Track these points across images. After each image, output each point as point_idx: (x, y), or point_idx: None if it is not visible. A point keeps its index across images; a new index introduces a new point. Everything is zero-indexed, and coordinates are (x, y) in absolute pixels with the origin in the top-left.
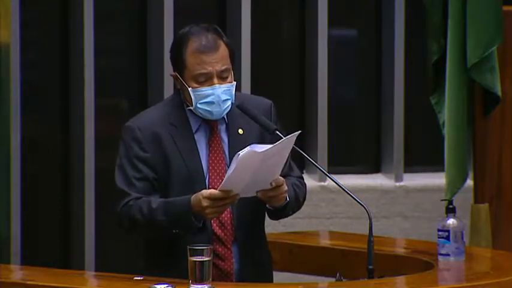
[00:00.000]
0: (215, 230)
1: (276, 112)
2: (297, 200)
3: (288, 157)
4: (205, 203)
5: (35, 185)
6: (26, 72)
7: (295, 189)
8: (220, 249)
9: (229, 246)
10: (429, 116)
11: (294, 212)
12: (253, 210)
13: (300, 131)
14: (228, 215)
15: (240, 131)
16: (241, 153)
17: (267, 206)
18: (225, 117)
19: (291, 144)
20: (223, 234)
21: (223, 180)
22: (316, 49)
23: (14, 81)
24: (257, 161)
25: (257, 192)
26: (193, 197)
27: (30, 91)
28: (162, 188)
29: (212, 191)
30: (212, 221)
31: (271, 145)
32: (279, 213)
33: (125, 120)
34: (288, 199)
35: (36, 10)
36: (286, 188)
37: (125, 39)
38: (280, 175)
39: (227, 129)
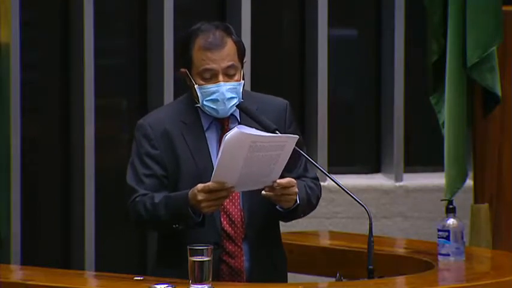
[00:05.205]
0: (225, 228)
1: (292, 112)
2: (309, 202)
3: (302, 159)
4: (200, 196)
5: (35, 185)
6: (26, 72)
7: (308, 191)
8: (230, 247)
9: (239, 244)
10: (429, 116)
11: (305, 215)
12: (266, 209)
13: (297, 136)
14: (238, 213)
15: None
16: (228, 134)
17: (277, 207)
18: (238, 116)
19: (291, 146)
20: (233, 232)
21: (214, 169)
22: (316, 49)
23: (14, 81)
24: (246, 146)
25: (265, 188)
26: (190, 191)
27: (30, 91)
28: (172, 185)
29: (206, 183)
30: (222, 219)
31: (262, 132)
32: (289, 215)
33: (124, 120)
34: (298, 201)
35: (36, 10)
36: (296, 190)
37: (125, 39)
38: (294, 176)
39: None
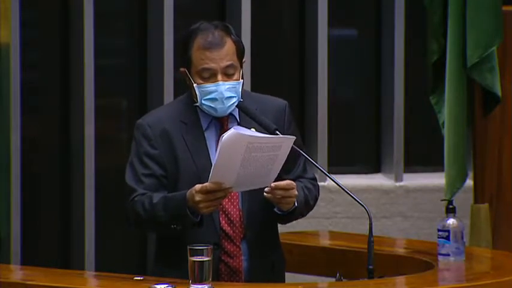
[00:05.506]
0: (224, 227)
1: (291, 112)
2: (307, 204)
3: (301, 159)
4: (197, 197)
5: (35, 185)
6: (26, 72)
7: (306, 192)
8: (229, 247)
9: (238, 243)
10: (429, 116)
11: (303, 216)
12: (266, 210)
13: (294, 137)
14: (237, 213)
15: (253, 130)
16: (225, 135)
17: (275, 209)
18: (237, 116)
19: (288, 147)
20: (231, 231)
21: (212, 169)
22: (316, 49)
23: (14, 81)
24: (243, 147)
25: (265, 190)
26: (188, 192)
27: (30, 91)
28: (171, 185)
29: (204, 184)
30: (220, 218)
31: (258, 133)
32: (287, 217)
33: (124, 120)
34: (296, 204)
35: (36, 10)
36: (296, 192)
37: (125, 39)
38: (293, 177)
39: None
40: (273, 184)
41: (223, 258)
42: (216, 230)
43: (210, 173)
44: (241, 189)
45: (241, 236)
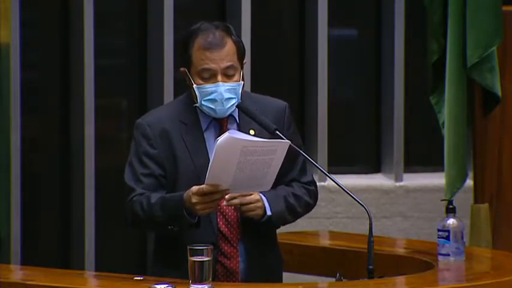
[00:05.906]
0: (221, 228)
1: (291, 113)
2: (292, 212)
3: (301, 161)
4: (194, 199)
5: (35, 185)
6: (26, 72)
7: (291, 201)
8: (226, 248)
9: (235, 244)
10: (429, 116)
11: (286, 223)
12: None
13: (289, 142)
14: (235, 214)
15: (252, 132)
16: (219, 138)
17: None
18: (237, 117)
19: (283, 151)
20: (229, 232)
21: (207, 172)
22: (316, 49)
23: (14, 81)
24: (238, 150)
25: (226, 197)
26: (185, 193)
27: (30, 91)
28: (170, 185)
29: (200, 186)
30: (218, 219)
31: (253, 137)
32: (262, 226)
33: (124, 120)
34: (269, 213)
35: (36, 10)
36: (259, 204)
37: (125, 39)
38: (287, 180)
39: (238, 130)
40: (227, 196)
41: (219, 259)
42: (214, 231)
43: (206, 175)
44: (239, 191)
45: (239, 237)
